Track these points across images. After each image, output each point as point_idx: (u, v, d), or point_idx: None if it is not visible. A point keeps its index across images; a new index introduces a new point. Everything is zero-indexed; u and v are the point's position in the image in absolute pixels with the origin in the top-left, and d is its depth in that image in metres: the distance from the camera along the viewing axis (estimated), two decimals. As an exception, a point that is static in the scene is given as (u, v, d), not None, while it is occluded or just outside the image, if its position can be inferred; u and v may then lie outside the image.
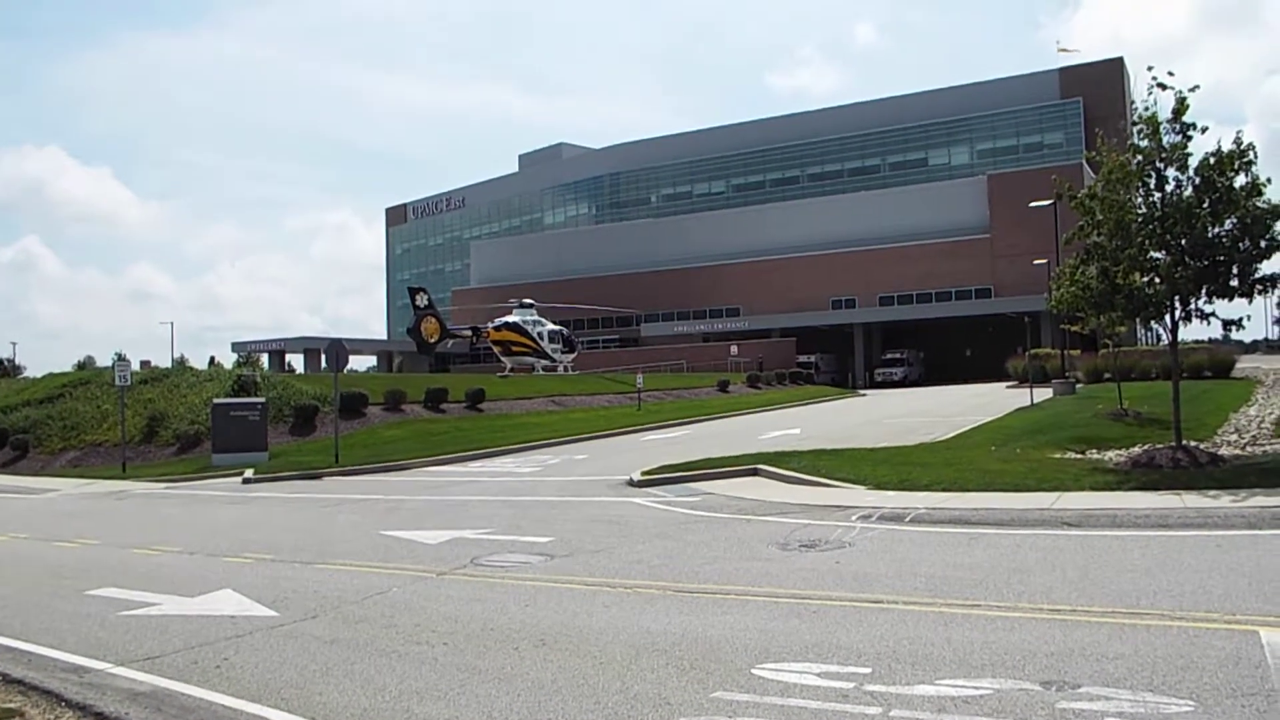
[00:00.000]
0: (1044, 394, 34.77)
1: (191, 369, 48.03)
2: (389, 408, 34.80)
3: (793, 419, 35.10)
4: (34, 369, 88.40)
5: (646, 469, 18.67)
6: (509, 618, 8.11)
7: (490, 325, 58.46)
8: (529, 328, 57.98)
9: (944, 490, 13.70)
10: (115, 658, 7.56)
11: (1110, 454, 16.76)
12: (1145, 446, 16.77)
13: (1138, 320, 16.43)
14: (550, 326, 59.31)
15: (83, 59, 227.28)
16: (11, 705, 6.47)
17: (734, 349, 66.99)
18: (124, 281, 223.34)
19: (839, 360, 76.08)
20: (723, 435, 28.49)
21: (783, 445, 22.10)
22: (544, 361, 58.12)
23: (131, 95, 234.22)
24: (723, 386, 53.63)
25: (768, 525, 12.19)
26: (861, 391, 61.15)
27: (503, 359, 58.06)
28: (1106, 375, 38.46)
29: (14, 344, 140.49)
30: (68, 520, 18.23)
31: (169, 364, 65.69)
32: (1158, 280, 15.07)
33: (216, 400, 30.37)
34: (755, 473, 17.35)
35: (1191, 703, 5.28)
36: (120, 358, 43.18)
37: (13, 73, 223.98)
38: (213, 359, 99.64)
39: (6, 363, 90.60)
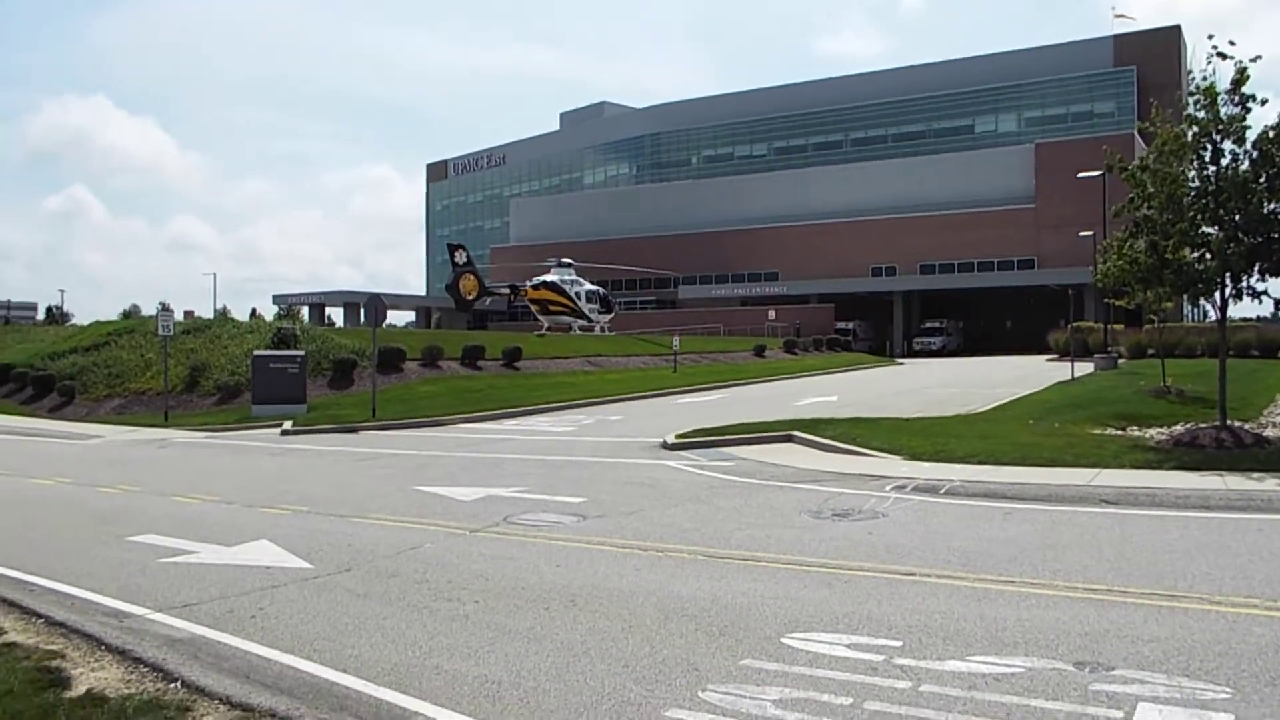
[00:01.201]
0: (1085, 368, 34.31)
1: (233, 320, 48.62)
2: (426, 363, 35.12)
3: (829, 386, 35.01)
4: (80, 317, 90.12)
5: (680, 432, 18.66)
6: (540, 577, 8.14)
7: (528, 284, 58.51)
8: (567, 287, 57.98)
9: (980, 463, 13.53)
10: (154, 604, 7.68)
11: (1151, 432, 16.46)
12: (1188, 425, 16.46)
13: (1184, 296, 16.05)
14: (588, 286, 59.32)
15: (127, 11, 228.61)
16: (54, 647, 6.60)
17: (771, 314, 66.89)
18: (166, 232, 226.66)
19: (877, 328, 75.47)
20: (758, 400, 28.45)
21: (818, 412, 22.05)
22: (581, 321, 58.22)
23: (174, 49, 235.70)
24: (759, 351, 53.89)
25: (800, 492, 12.12)
26: (899, 360, 60.77)
27: (540, 318, 58.23)
28: (1150, 351, 37.84)
29: (62, 291, 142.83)
30: (111, 467, 18.53)
31: (211, 315, 66.61)
32: (1208, 256, 14.70)
33: (257, 352, 30.71)
34: (790, 439, 17.29)
35: (1229, 689, 5.19)
36: (164, 308, 43.82)
37: (59, 21, 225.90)
38: (254, 311, 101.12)
39: (55, 310, 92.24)
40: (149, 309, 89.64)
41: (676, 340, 43.54)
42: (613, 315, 61.29)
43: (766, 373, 42.30)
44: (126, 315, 72.86)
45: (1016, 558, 8.32)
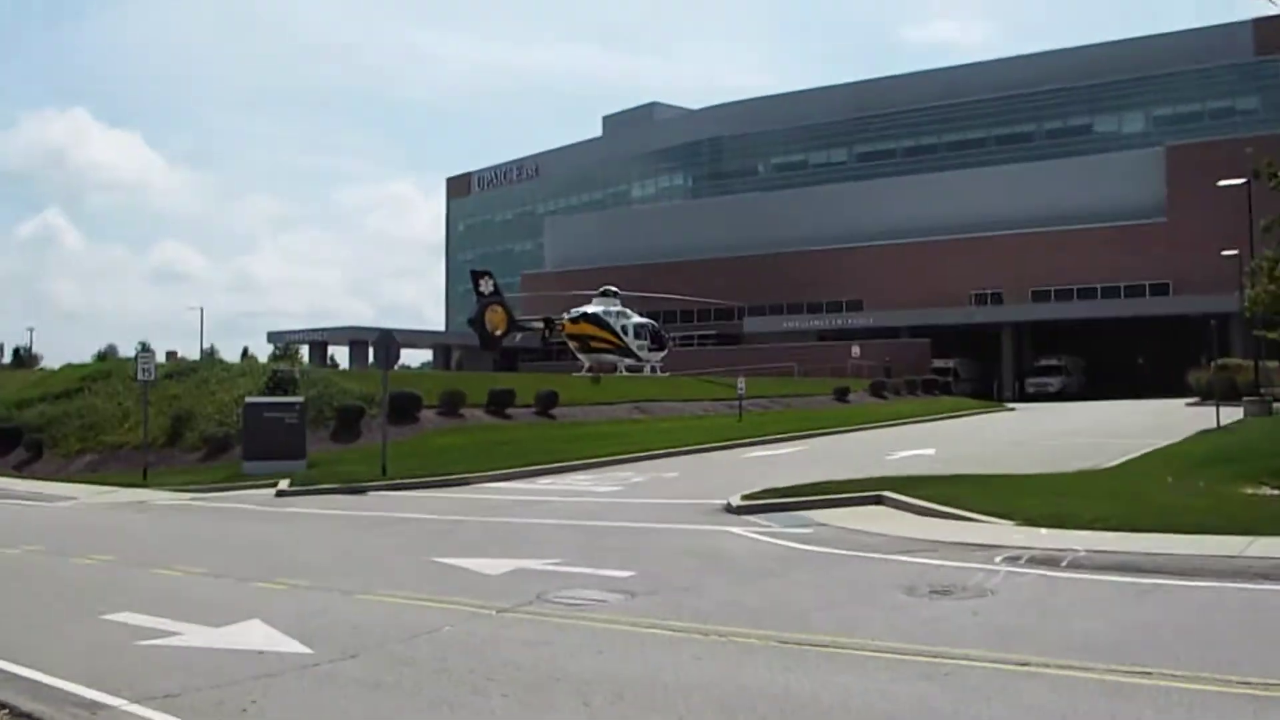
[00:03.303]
0: (1233, 414, 33.71)
1: (222, 362, 49.56)
2: (445, 411, 35.44)
3: (925, 436, 35.00)
4: (51, 358, 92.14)
5: (748, 492, 18.65)
6: (580, 666, 8.10)
7: (566, 316, 58.95)
8: (612, 320, 58.31)
9: (1109, 529, 13.32)
10: (132, 693, 7.72)
11: (1318, 491, 16.01)
12: (1363, 483, 16.06)
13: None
14: (637, 319, 59.68)
15: (112, 13, 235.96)
16: (17, 744, 6.67)
17: (855, 350, 66.86)
18: (150, 259, 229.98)
19: (982, 367, 75.10)
20: (840, 454, 28.42)
21: (913, 468, 21.91)
22: (628, 360, 58.56)
23: (161, 54, 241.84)
24: (841, 395, 53.72)
25: (892, 565, 12.05)
26: (1009, 405, 60.10)
27: (580, 356, 58.58)
28: (1313, 393, 37.04)
29: (31, 330, 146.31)
30: (84, 533, 18.87)
31: (198, 355, 67.92)
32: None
33: (249, 399, 31.17)
34: (879, 500, 17.26)
35: None
36: (144, 348, 44.82)
37: (35, 29, 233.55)
38: (246, 350, 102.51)
39: (23, 352, 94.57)
40: (127, 349, 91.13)
41: (742, 382, 43.58)
42: (666, 353, 61.70)
43: (850, 421, 42.21)
44: (102, 357, 74.37)
45: (1155, 645, 8.12)
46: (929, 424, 43.05)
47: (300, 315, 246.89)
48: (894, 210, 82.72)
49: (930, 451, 27.88)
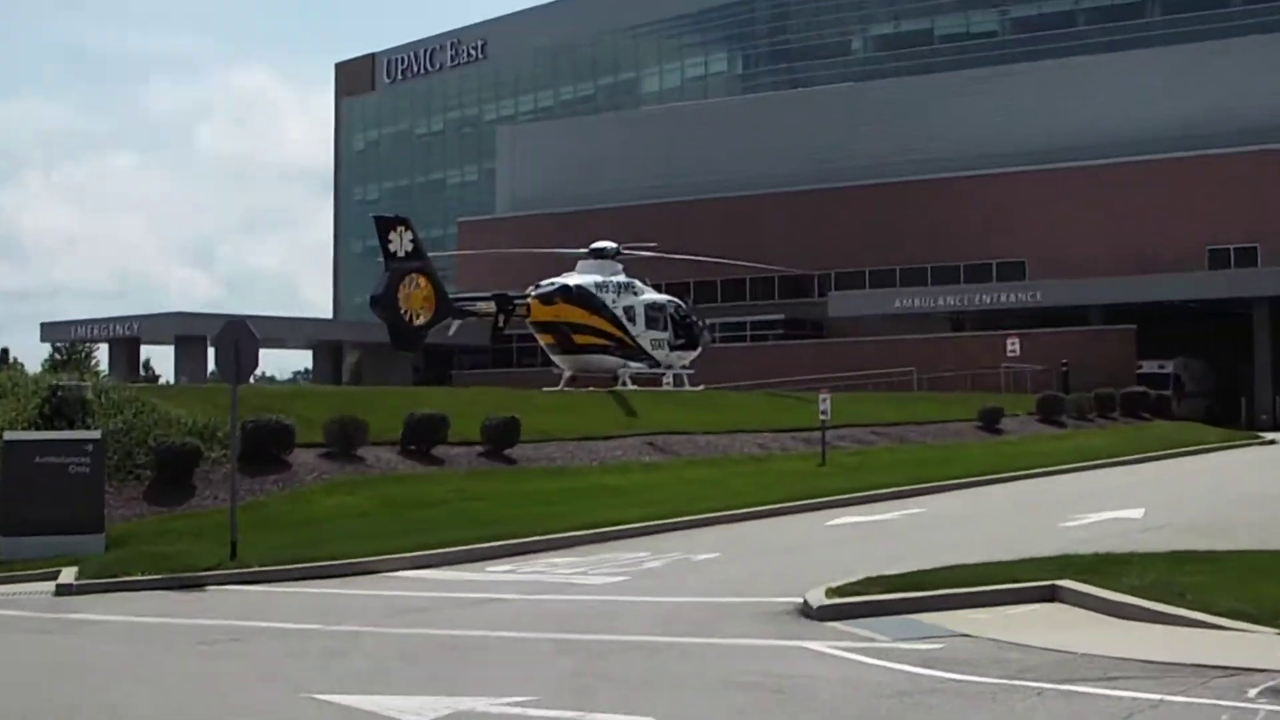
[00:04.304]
0: None
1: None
2: (335, 453, 28.80)
3: (1129, 490, 29.70)
4: None
5: (837, 584, 15.22)
6: None
7: (533, 293, 44.74)
8: (608, 298, 45.21)
9: None
10: None
11: None
12: None
13: None
14: (650, 297, 46.16)
15: None
16: None
17: (1013, 345, 53.36)
18: None
19: (1218, 371, 58.99)
20: (989, 518, 24.60)
21: (1108, 540, 18.27)
22: (636, 365, 45.45)
23: None
24: (989, 420, 42.94)
25: (1082, 703, 9.43)
26: (1263, 435, 48.50)
27: (556, 359, 44.63)
28: None
29: None
30: None
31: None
32: None
33: (9, 435, 25.24)
34: (1052, 595, 14.45)
35: None
36: None
37: None
38: (6, 354, 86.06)
39: None
40: None
41: (825, 401, 34.64)
42: (699, 352, 47.76)
43: (1003, 464, 35.01)
44: None
45: None
46: (1135, 469, 36.57)
47: (95, 295, 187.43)
48: (1074, 110, 63.41)
49: (1136, 514, 23.81)
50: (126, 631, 15.65)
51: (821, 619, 13.88)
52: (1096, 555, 15.94)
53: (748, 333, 67.48)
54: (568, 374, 44.72)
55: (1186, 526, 20.59)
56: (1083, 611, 13.52)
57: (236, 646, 14.06)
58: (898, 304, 63.24)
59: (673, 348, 46.21)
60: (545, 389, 42.28)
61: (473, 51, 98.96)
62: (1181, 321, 57.80)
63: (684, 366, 47.07)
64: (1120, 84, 63.66)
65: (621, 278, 45.57)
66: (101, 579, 19.55)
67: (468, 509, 25.72)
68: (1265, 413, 53.97)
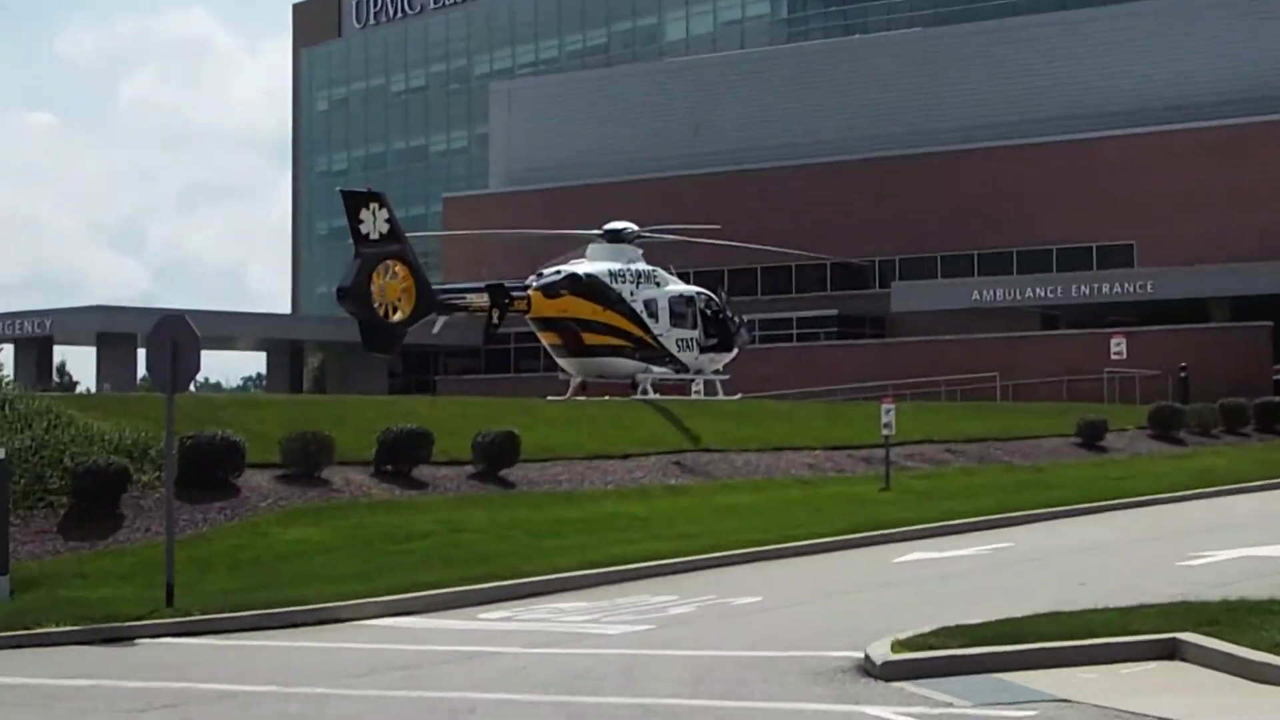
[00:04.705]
0: None
1: None
2: (294, 475, 26.40)
3: (1264, 518, 27.34)
4: None
5: (905, 636, 13.62)
6: None
7: (534, 282, 41.19)
8: (625, 289, 42.02)
9: None
10: None
11: None
12: None
13: None
14: (675, 288, 42.89)
15: None
16: None
17: (1118, 345, 49.25)
18: None
19: None
20: (1089, 556, 22.46)
21: (1239, 585, 16.35)
22: (660, 369, 42.71)
23: None
24: (1090, 435, 39.51)
25: None
26: None
27: (562, 361, 42.15)
28: None
29: None
30: None
31: None
32: None
33: None
34: (1173, 652, 12.89)
35: None
36: None
37: None
38: None
39: None
40: None
41: (890, 411, 32.06)
42: (735, 353, 44.86)
43: (1107, 489, 32.28)
44: None
45: None
46: (1271, 495, 33.60)
47: (1, 285, 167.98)
48: (1202, 58, 57.07)
49: (1274, 551, 21.80)
50: (31, 699, 13.49)
51: (887, 678, 12.71)
52: (1226, 602, 14.32)
53: (794, 330, 62.94)
54: (577, 380, 41.58)
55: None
56: (1210, 672, 12.28)
57: (174, 714, 12.59)
58: (976, 296, 57.65)
59: (703, 349, 42.65)
60: (550, 398, 39.24)
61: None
62: None
63: (716, 371, 43.68)
64: (1255, 27, 57.03)
65: (641, 265, 41.96)
66: (8, 632, 17.54)
67: (456, 543, 24.08)
68: None
